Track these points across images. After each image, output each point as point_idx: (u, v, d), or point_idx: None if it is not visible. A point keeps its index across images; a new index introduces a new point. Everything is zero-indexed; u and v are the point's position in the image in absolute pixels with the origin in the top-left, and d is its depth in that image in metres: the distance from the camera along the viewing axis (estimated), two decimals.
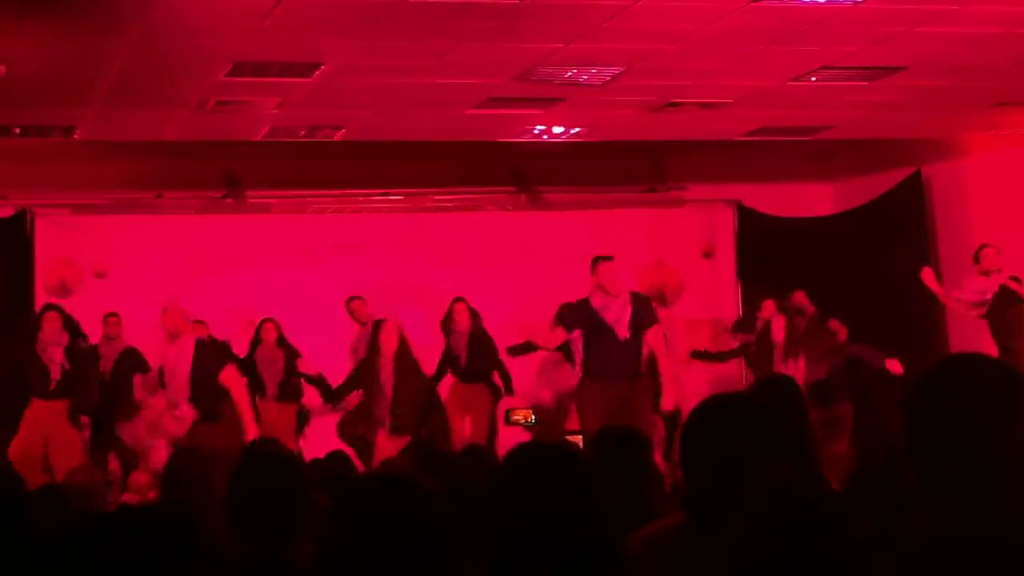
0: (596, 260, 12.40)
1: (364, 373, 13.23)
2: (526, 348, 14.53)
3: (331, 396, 14.29)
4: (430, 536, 3.28)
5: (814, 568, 3.09)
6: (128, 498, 11.06)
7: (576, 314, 12.31)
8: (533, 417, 14.33)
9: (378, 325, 13.20)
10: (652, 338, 12.27)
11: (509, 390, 14.52)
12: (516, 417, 14.20)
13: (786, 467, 3.41)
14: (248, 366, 13.83)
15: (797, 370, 14.00)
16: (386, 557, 3.23)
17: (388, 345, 12.88)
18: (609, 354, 12.07)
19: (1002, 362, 3.19)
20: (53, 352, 13.24)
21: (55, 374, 13.27)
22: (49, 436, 12.86)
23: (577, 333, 12.18)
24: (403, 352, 12.89)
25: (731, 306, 16.72)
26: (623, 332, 12.05)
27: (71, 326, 13.38)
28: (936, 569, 2.25)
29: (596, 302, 12.15)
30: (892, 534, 3.37)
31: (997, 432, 2.86)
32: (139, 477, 12.11)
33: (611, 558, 3.42)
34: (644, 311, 12.24)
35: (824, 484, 3.42)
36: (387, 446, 12.36)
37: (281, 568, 4.39)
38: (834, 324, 14.78)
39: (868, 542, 3.61)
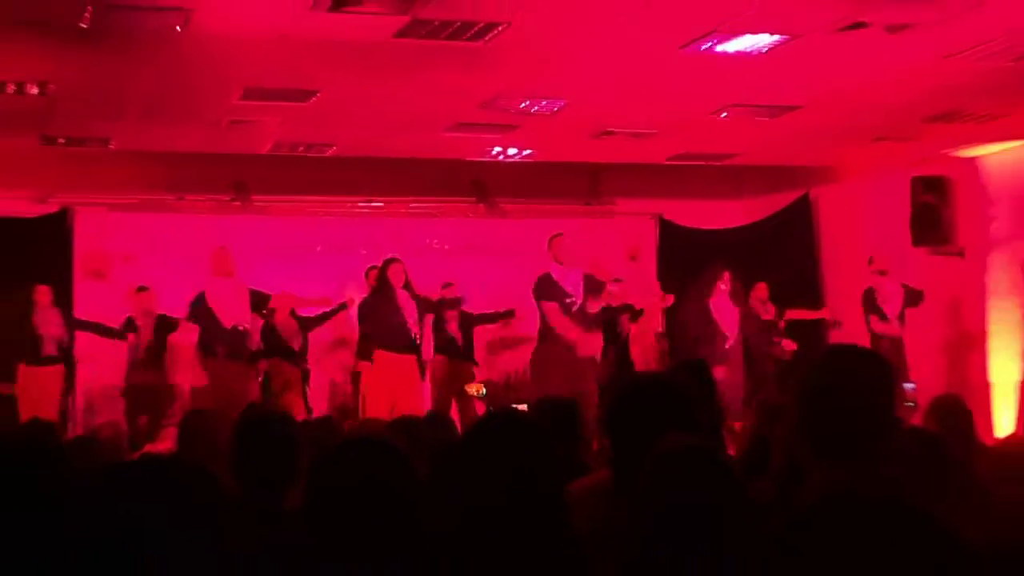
0: (552, 238, 12.58)
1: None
2: (505, 316, 14.65)
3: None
4: (399, 488, 3.26)
5: (704, 523, 3.08)
6: (162, 447, 10.78)
7: (548, 287, 12.30)
8: (484, 389, 14.27)
9: (387, 264, 12.92)
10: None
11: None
12: (469, 389, 14.12)
13: (684, 435, 3.41)
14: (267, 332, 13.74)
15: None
16: (361, 507, 3.20)
17: (397, 280, 12.66)
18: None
19: (874, 352, 3.21)
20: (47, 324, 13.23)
21: (48, 344, 13.24)
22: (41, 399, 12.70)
23: (555, 305, 12.21)
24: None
25: (654, 299, 16.69)
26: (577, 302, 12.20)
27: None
28: (824, 524, 2.25)
29: (556, 275, 12.28)
30: (792, 496, 3.37)
31: (871, 408, 2.87)
32: (172, 431, 11.91)
33: (557, 506, 3.43)
34: (595, 288, 12.39)
35: (717, 449, 3.43)
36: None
37: (274, 512, 4.37)
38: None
39: (773, 503, 3.61)
